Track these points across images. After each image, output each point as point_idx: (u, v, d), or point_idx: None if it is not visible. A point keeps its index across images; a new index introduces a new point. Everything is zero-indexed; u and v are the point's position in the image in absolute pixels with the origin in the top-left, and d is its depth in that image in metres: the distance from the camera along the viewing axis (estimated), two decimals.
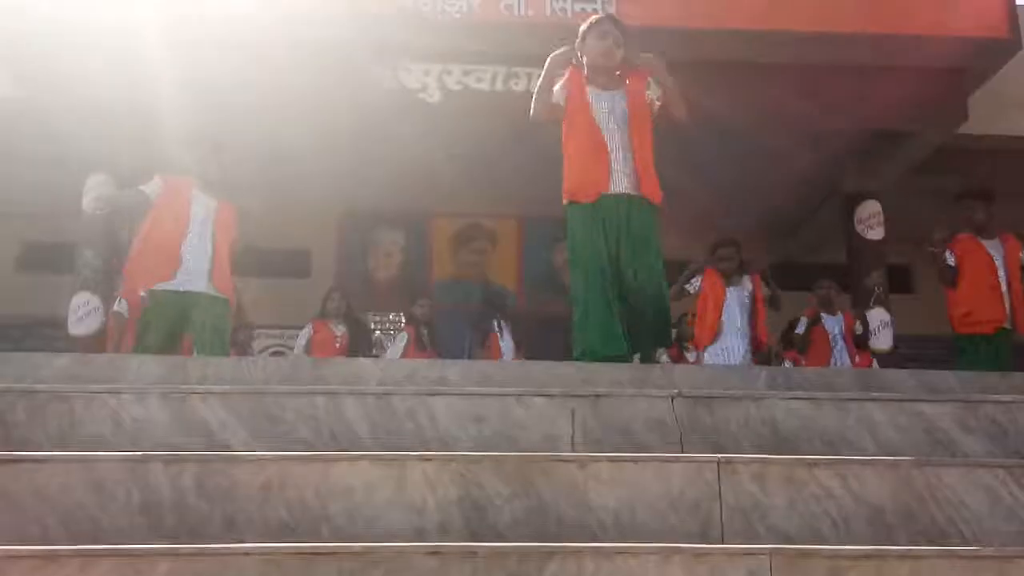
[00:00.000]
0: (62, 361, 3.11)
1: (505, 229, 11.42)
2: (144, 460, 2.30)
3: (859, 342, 7.63)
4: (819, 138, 8.82)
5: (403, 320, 10.34)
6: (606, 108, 4.17)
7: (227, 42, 7.28)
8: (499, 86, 7.98)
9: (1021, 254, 6.29)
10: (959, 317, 6.10)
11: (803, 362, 7.35)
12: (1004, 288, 6.05)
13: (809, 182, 9.78)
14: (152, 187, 5.10)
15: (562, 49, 4.33)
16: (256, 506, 2.31)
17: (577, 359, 3.90)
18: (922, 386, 3.22)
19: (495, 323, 8.21)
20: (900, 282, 10.62)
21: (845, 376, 3.33)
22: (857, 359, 7.45)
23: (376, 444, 2.70)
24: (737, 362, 6.11)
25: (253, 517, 2.29)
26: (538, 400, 2.81)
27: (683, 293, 6.51)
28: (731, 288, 6.45)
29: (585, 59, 4.25)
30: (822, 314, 7.56)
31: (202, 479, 2.31)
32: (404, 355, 7.94)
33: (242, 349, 7.62)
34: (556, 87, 4.19)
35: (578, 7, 7.62)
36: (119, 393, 2.64)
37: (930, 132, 8.30)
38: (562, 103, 4.16)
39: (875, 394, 2.93)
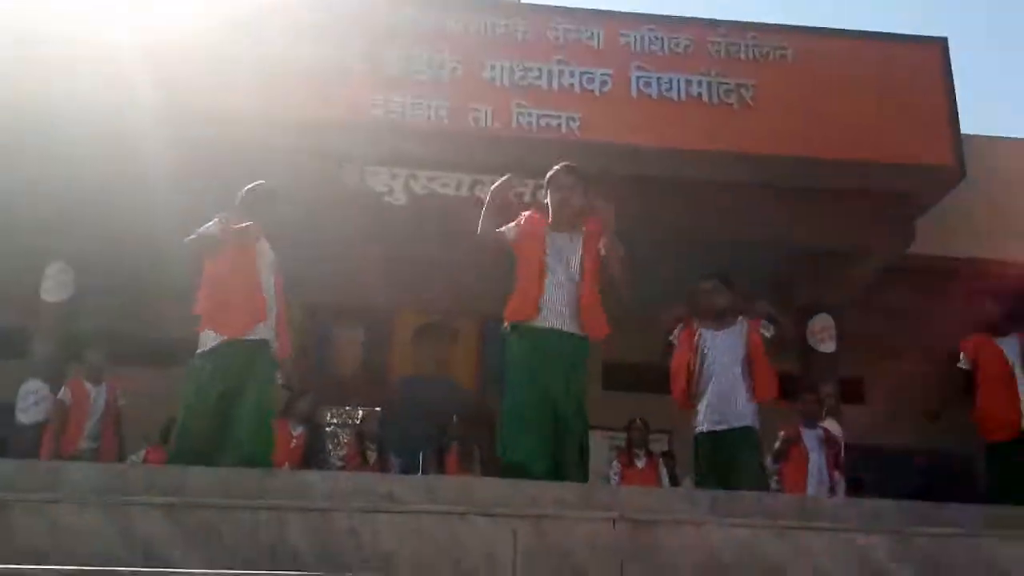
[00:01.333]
0: (5, 467, 3.07)
1: (466, 328, 11.47)
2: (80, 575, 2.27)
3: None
4: (772, 253, 9.07)
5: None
6: (559, 246, 4.32)
7: (199, 142, 7.39)
8: (464, 192, 8.15)
9: None
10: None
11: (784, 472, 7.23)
12: None
13: (763, 295, 9.98)
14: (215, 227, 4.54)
15: (502, 180, 4.51)
16: None
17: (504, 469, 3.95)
18: (862, 514, 3.27)
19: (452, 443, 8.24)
20: (853, 393, 10.79)
21: (786, 502, 3.38)
22: (836, 474, 7.28)
23: (319, 563, 2.68)
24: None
25: None
26: (481, 520, 2.82)
27: (667, 351, 5.51)
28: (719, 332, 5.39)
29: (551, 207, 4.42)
30: (802, 428, 7.29)
31: None
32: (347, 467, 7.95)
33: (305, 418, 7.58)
34: (511, 226, 4.33)
35: (543, 121, 7.87)
36: (58, 502, 2.61)
37: (879, 252, 8.56)
38: (510, 238, 4.30)
39: (813, 524, 2.98)
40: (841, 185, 8.12)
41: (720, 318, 5.40)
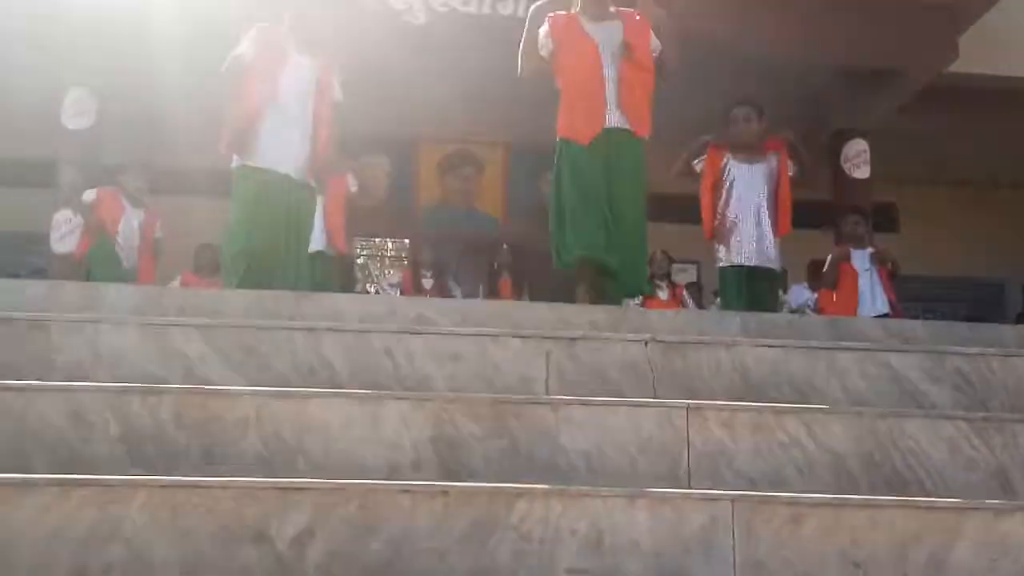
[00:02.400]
0: (38, 289, 3.11)
1: (492, 155, 11.33)
2: (123, 392, 2.33)
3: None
4: (806, 73, 8.76)
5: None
6: (600, 40, 4.11)
7: None
8: (486, 9, 7.84)
9: None
10: None
11: (834, 298, 6.79)
12: None
13: (796, 118, 9.71)
14: None
15: (539, 2, 4.28)
16: (233, 439, 2.35)
17: (559, 267, 3.97)
18: (891, 336, 3.27)
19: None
20: (885, 221, 10.69)
21: (817, 324, 3.38)
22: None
23: (353, 381, 2.73)
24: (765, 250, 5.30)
25: (230, 450, 2.33)
26: (514, 342, 2.84)
27: (686, 172, 5.55)
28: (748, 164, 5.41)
29: None
30: (851, 249, 6.83)
31: (180, 412, 2.34)
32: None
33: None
34: (540, 37, 4.11)
35: None
36: (97, 322, 2.65)
37: (918, 71, 8.24)
38: (547, 55, 4.10)
39: (844, 343, 2.98)
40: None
41: (751, 149, 5.30)
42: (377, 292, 7.57)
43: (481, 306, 3.43)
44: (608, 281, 4.00)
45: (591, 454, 2.48)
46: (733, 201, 5.27)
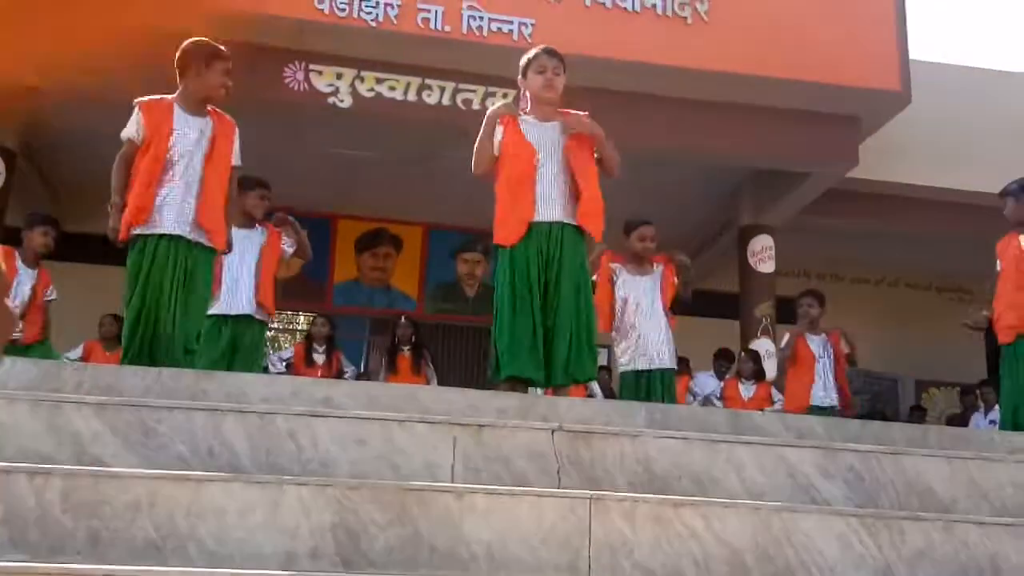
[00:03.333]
0: None
1: (410, 235, 11.39)
2: (9, 471, 2.24)
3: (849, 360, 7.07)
4: (716, 173, 9.12)
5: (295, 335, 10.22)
6: (539, 137, 4.18)
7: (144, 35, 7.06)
8: (411, 95, 7.98)
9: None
10: None
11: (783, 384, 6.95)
12: None
13: (707, 215, 10.09)
14: None
15: (500, 103, 4.39)
16: (124, 524, 2.27)
17: (492, 379, 3.98)
18: (788, 430, 3.36)
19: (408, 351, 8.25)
20: (788, 314, 11.04)
21: (719, 416, 3.45)
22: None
23: (255, 464, 2.67)
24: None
25: (120, 535, 2.25)
26: (420, 427, 2.83)
27: None
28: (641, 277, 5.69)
29: (527, 93, 4.28)
30: (807, 334, 6.83)
31: (68, 493, 2.25)
32: (290, 370, 7.93)
33: None
34: (495, 139, 4.19)
35: (495, 26, 7.70)
36: None
37: (822, 174, 8.66)
38: (496, 152, 4.18)
39: (743, 437, 3.05)
40: (789, 105, 8.15)
41: (642, 263, 5.73)
42: (265, 368, 7.41)
43: (389, 389, 3.40)
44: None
45: (493, 544, 2.46)
46: (628, 308, 5.65)
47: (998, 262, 5.04)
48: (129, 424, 2.64)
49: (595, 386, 7.58)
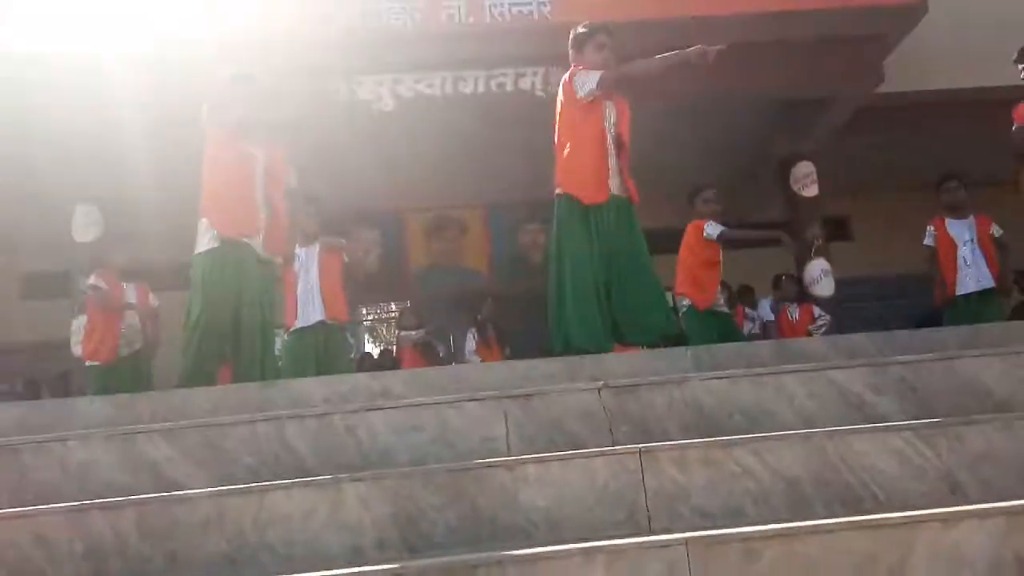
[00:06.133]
0: (15, 411, 2.97)
1: (472, 217, 11.26)
2: (83, 509, 2.18)
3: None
4: (751, 108, 8.71)
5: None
6: (607, 114, 4.12)
7: (192, 70, 7.05)
8: (448, 90, 7.80)
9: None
10: None
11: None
12: None
13: (745, 149, 9.68)
14: None
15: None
16: (197, 541, 2.20)
17: (559, 353, 3.80)
18: (836, 351, 3.12)
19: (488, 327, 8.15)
20: (839, 232, 10.60)
21: (762, 350, 3.23)
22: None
23: (318, 464, 2.58)
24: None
25: (194, 552, 2.18)
26: (470, 405, 2.69)
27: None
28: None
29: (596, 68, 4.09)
30: (947, 219, 6.12)
31: (141, 520, 2.19)
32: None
33: None
34: (593, 82, 4.00)
35: (515, 10, 7.45)
36: (65, 440, 2.51)
37: (852, 96, 8.19)
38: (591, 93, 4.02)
39: (787, 366, 2.83)
40: (812, 34, 7.70)
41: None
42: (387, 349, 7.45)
43: (440, 372, 3.27)
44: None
45: (550, 510, 2.32)
46: None
47: None
48: (197, 444, 2.57)
49: None
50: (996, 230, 6.13)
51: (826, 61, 7.90)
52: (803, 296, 7.65)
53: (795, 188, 9.02)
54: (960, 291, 5.86)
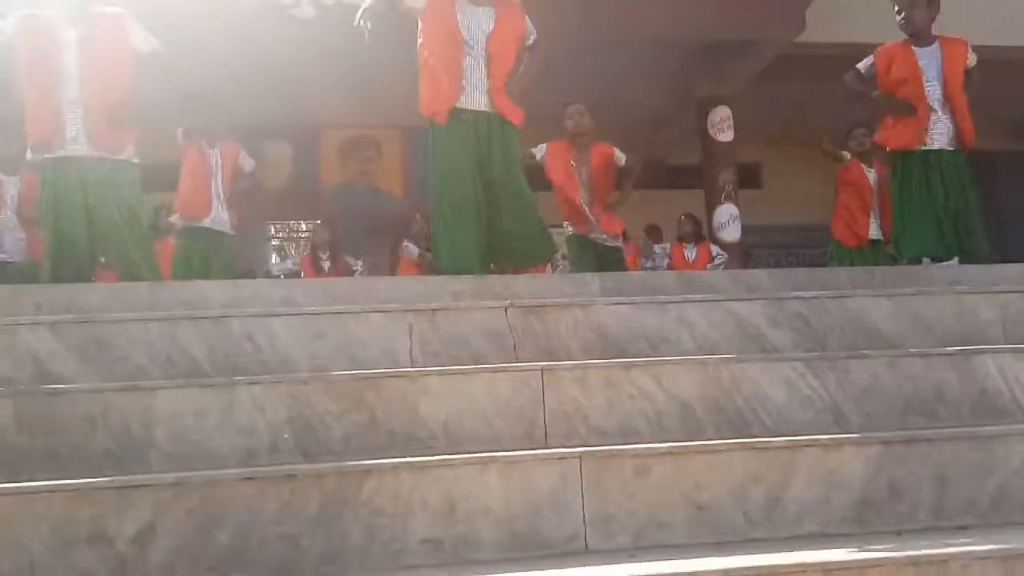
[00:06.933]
0: None
1: (390, 139, 11.02)
2: None
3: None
4: (668, 51, 8.70)
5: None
6: (471, 23, 3.83)
7: None
8: None
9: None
10: None
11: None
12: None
13: (664, 93, 9.70)
14: None
15: None
16: (81, 438, 2.11)
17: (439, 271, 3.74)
18: (737, 285, 3.19)
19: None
20: (750, 179, 10.79)
21: (668, 279, 3.27)
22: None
23: (214, 369, 2.51)
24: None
25: (77, 449, 2.10)
26: (375, 317, 2.65)
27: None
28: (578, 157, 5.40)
29: None
30: (863, 166, 6.10)
31: (21, 412, 2.09)
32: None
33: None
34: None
35: None
36: None
37: (771, 42, 8.26)
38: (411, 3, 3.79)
39: (692, 296, 2.87)
40: None
41: (583, 143, 5.42)
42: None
43: (345, 284, 3.21)
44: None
45: (449, 422, 2.32)
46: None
47: None
48: (86, 340, 2.46)
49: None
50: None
51: (749, 6, 7.94)
52: (700, 236, 7.84)
53: (711, 132, 9.12)
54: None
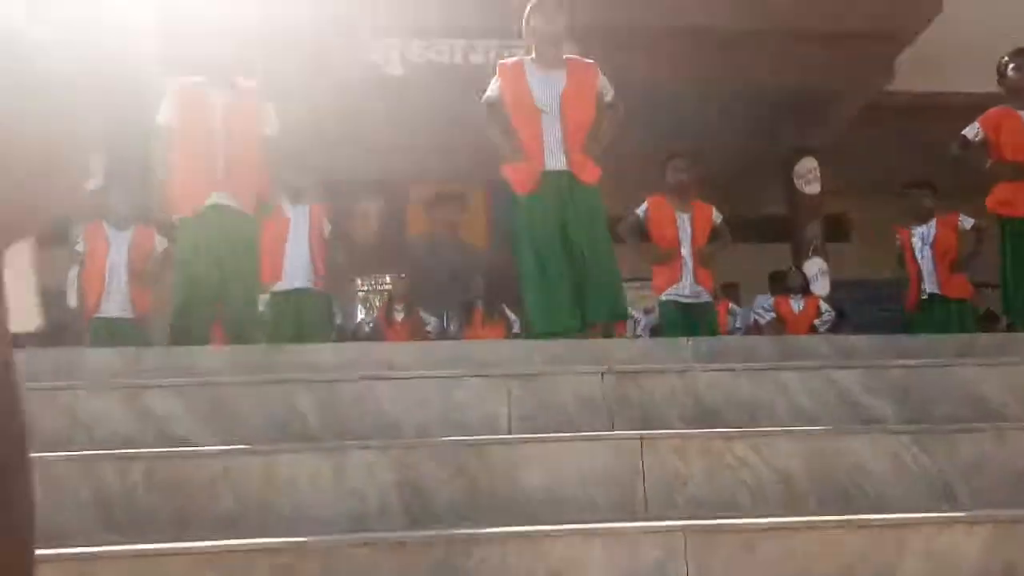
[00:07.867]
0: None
1: (474, 192, 11.23)
2: (95, 459, 2.22)
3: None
4: (755, 101, 8.70)
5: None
6: (544, 88, 3.98)
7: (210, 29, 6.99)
8: (457, 59, 7.77)
9: None
10: None
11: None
12: None
13: (749, 142, 9.67)
14: None
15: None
16: (205, 500, 2.24)
17: (529, 337, 3.83)
18: (835, 351, 3.17)
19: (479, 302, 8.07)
20: (837, 231, 10.62)
21: (763, 344, 3.27)
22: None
23: (324, 431, 2.62)
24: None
25: (201, 512, 2.21)
26: (475, 380, 2.73)
27: (632, 225, 5.42)
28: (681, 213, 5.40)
29: (533, 42, 4.07)
30: (913, 226, 6.26)
31: (151, 474, 2.23)
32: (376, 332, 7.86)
33: None
34: (491, 88, 4.00)
35: None
36: (75, 388, 2.54)
37: (859, 92, 8.20)
38: (496, 96, 3.98)
39: (788, 362, 2.87)
40: (821, 26, 7.69)
41: (686, 197, 5.42)
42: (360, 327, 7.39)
43: (444, 348, 3.31)
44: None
45: (550, 490, 2.36)
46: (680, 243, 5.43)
47: None
48: (205, 402, 2.60)
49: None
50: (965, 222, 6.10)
51: (837, 55, 7.90)
52: (808, 290, 7.73)
53: (797, 184, 9.04)
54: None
